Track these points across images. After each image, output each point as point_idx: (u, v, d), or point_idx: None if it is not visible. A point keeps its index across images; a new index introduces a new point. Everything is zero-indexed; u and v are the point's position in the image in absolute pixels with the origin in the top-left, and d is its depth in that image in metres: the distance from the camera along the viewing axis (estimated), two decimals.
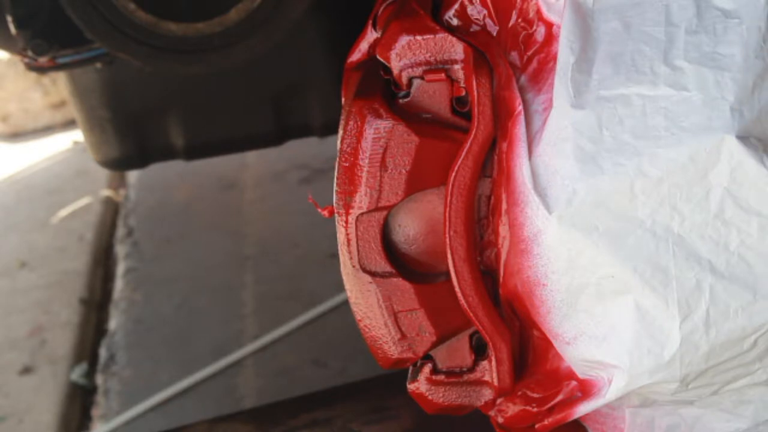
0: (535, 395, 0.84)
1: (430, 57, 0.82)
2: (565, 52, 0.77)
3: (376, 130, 0.80)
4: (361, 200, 0.81)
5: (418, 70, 0.82)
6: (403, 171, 0.81)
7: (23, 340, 2.27)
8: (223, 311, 2.24)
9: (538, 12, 0.82)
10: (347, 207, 0.82)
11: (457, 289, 0.81)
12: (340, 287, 0.87)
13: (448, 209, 0.80)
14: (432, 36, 0.81)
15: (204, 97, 1.59)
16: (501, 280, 0.82)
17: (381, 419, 1.26)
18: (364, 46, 0.91)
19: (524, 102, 0.80)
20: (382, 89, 0.83)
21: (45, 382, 2.12)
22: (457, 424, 1.00)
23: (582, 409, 0.81)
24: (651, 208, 0.73)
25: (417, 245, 0.84)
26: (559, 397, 0.83)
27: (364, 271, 0.83)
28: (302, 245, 2.42)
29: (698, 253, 0.73)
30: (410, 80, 0.82)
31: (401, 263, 0.83)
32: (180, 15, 1.15)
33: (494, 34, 0.85)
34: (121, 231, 2.69)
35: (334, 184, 0.82)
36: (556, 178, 0.75)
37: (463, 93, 0.81)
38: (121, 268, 2.49)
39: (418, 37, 0.81)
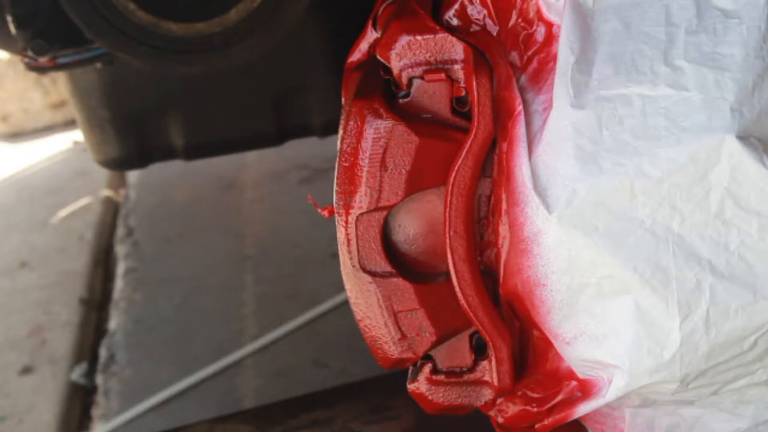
0: (535, 395, 0.84)
1: (430, 57, 0.82)
2: (565, 52, 0.77)
3: (376, 130, 0.80)
4: (361, 200, 0.81)
5: (418, 70, 0.82)
6: (403, 171, 0.81)
7: (23, 340, 2.27)
8: (223, 311, 2.24)
9: (538, 12, 0.82)
10: (347, 207, 0.82)
11: (457, 289, 0.81)
12: (340, 287, 0.87)
13: (448, 209, 0.80)
14: (432, 36, 0.81)
15: (204, 97, 1.58)
16: (501, 280, 0.82)
17: (381, 419, 1.26)
18: (364, 46, 0.91)
19: (524, 102, 0.80)
20: (382, 89, 0.83)
21: (45, 382, 2.12)
22: (457, 424, 1.00)
23: (582, 409, 0.81)
24: (651, 208, 0.73)
25: (417, 245, 0.84)
26: (559, 397, 0.83)
27: (364, 271, 0.82)
28: (302, 245, 2.42)
29: (698, 253, 0.73)
30: (410, 80, 0.82)
31: (401, 263, 0.83)
32: (180, 15, 1.15)
33: (494, 34, 0.85)
34: (121, 231, 2.69)
35: (334, 184, 0.82)
36: (556, 177, 0.75)
37: (463, 93, 0.81)
38: (121, 268, 2.49)
39: (418, 37, 0.81)
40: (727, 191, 0.72)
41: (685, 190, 0.73)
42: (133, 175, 2.93)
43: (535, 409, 0.84)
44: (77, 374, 2.13)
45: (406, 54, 0.82)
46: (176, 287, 2.36)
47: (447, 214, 0.80)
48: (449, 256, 0.81)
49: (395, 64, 0.82)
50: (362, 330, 0.85)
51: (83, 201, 2.86)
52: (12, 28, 1.19)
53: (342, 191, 0.82)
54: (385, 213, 0.82)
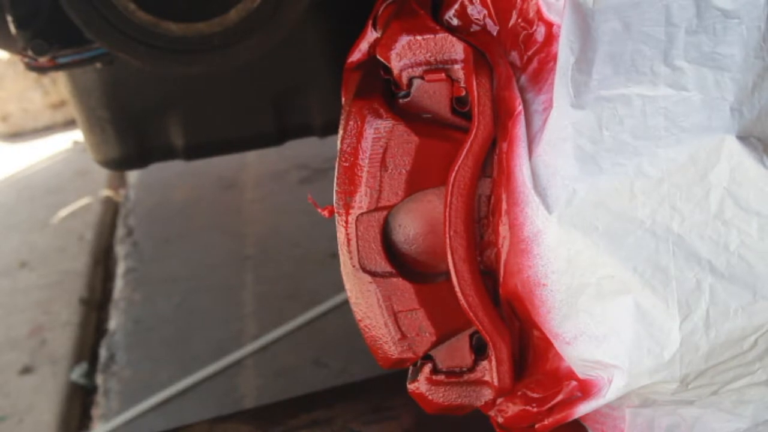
0: (535, 395, 0.84)
1: (430, 57, 0.82)
2: (565, 52, 0.77)
3: (376, 130, 0.80)
4: (361, 200, 0.81)
5: (418, 70, 0.82)
6: (403, 171, 0.81)
7: (23, 340, 2.27)
8: (223, 311, 2.24)
9: (539, 12, 0.82)
10: (347, 207, 0.82)
11: (457, 289, 0.81)
12: (340, 287, 0.87)
13: (448, 209, 0.80)
14: (432, 36, 0.81)
15: (204, 97, 1.59)
16: (501, 280, 0.82)
17: (381, 419, 1.26)
18: (364, 46, 0.91)
19: (524, 102, 0.80)
20: (382, 89, 0.83)
21: (45, 382, 2.12)
22: (457, 424, 1.00)
23: (582, 409, 0.81)
24: (651, 208, 0.73)
25: (417, 245, 0.84)
26: (559, 397, 0.83)
27: (364, 271, 0.82)
28: (302, 245, 2.42)
29: (698, 253, 0.73)
30: (410, 80, 0.82)
31: (401, 263, 0.83)
32: (180, 15, 1.15)
33: (494, 34, 0.85)
34: (121, 231, 2.69)
35: (334, 184, 0.82)
36: (556, 178, 0.75)
37: (463, 93, 0.81)
38: (121, 268, 2.49)
39: (418, 37, 0.81)
40: (727, 191, 0.72)
41: (685, 190, 0.73)
42: (133, 175, 2.93)
43: (535, 409, 0.84)
44: (77, 374, 2.13)
45: (406, 54, 0.82)
46: (176, 287, 2.36)
47: (447, 214, 0.80)
48: (449, 256, 0.81)
49: (395, 64, 0.82)
50: (362, 330, 0.85)
51: (83, 201, 2.86)
52: (12, 28, 1.18)
53: (342, 191, 0.82)
54: (385, 213, 0.82)
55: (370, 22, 0.90)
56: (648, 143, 0.73)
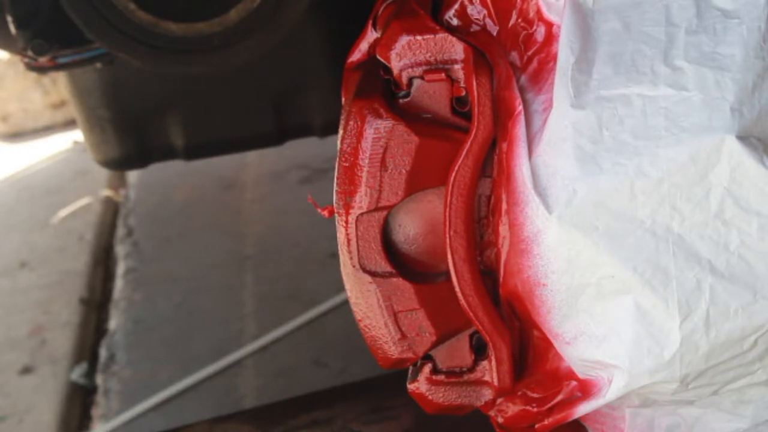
0: (535, 395, 0.84)
1: (430, 57, 0.82)
2: (565, 52, 0.77)
3: (376, 130, 0.80)
4: (361, 200, 0.81)
5: (418, 70, 0.82)
6: (403, 171, 0.81)
7: (23, 340, 2.27)
8: (223, 311, 2.24)
9: (538, 12, 0.82)
10: (347, 207, 0.82)
11: (457, 289, 0.81)
12: (340, 287, 0.87)
13: (448, 209, 0.80)
14: (432, 36, 0.81)
15: (204, 97, 1.59)
16: (501, 280, 0.82)
17: (381, 419, 1.26)
18: (364, 46, 0.91)
19: (524, 102, 0.80)
20: (382, 89, 0.83)
21: (45, 382, 2.12)
22: (457, 424, 1.00)
23: (582, 409, 0.81)
24: (651, 208, 0.73)
25: (417, 245, 0.84)
26: (559, 397, 0.83)
27: (364, 271, 0.82)
28: (302, 245, 2.42)
29: (698, 253, 0.73)
30: (410, 80, 0.82)
31: (401, 263, 0.83)
32: (180, 15, 1.15)
33: (494, 34, 0.85)
34: (121, 231, 2.69)
35: (334, 184, 0.82)
36: (556, 178, 0.75)
37: (463, 93, 0.81)
38: (121, 268, 2.49)
39: (418, 37, 0.81)
40: (727, 191, 0.72)
41: (685, 190, 0.73)
42: (133, 175, 2.93)
43: (535, 409, 0.84)
44: (77, 374, 2.13)
45: (406, 54, 0.82)
46: (176, 287, 2.36)
47: (447, 214, 0.80)
48: (449, 256, 0.81)
49: (395, 64, 0.82)
50: (362, 330, 0.85)
51: (83, 201, 2.86)
52: (12, 28, 1.18)
53: (342, 191, 0.82)
54: (385, 213, 0.82)
55: (370, 22, 0.90)
56: (648, 143, 0.73)
